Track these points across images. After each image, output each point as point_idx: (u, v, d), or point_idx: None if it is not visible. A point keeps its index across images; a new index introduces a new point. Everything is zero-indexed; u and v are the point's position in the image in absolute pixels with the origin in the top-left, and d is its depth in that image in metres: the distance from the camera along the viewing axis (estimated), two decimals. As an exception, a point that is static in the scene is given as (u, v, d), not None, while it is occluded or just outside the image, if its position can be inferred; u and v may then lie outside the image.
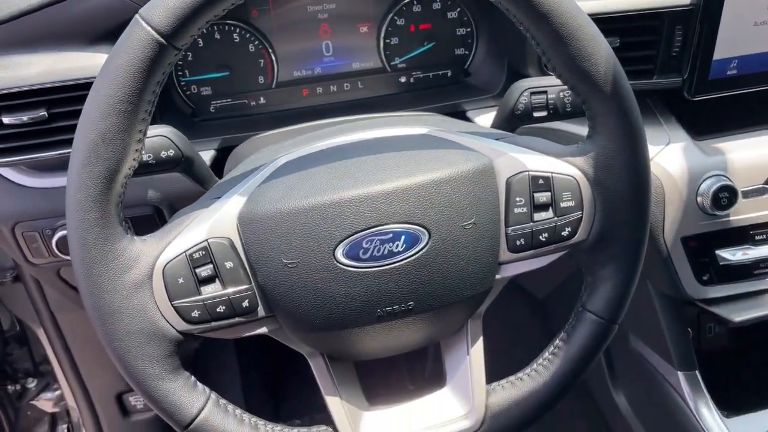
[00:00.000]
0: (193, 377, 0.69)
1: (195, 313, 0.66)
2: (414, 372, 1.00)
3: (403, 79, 1.10)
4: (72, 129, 0.91)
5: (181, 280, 0.66)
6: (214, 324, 0.67)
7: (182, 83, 1.04)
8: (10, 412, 1.66)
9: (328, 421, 0.74)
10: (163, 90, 1.02)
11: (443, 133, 0.74)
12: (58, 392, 1.66)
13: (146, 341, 0.65)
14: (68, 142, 0.91)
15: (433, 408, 0.75)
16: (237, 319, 0.68)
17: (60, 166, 0.95)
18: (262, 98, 1.07)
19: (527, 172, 0.69)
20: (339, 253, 0.66)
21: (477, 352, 0.75)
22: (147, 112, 0.62)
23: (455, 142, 0.72)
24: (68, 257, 0.96)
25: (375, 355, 0.74)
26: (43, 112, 0.87)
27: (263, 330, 0.71)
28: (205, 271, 0.66)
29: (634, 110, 0.67)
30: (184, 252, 0.66)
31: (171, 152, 0.77)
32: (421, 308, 0.69)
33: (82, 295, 0.65)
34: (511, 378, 0.75)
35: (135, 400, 1.56)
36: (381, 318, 0.68)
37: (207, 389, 0.70)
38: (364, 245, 0.66)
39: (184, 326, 0.67)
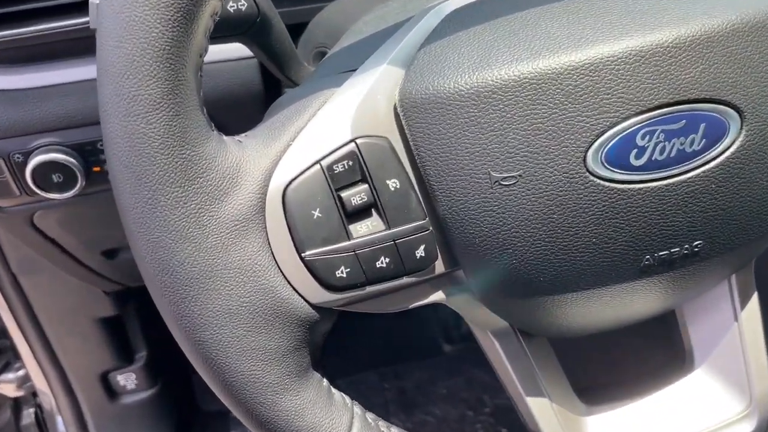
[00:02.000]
0: (325, 381, 0.40)
1: (341, 272, 0.37)
2: (615, 348, 0.72)
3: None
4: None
5: (317, 214, 0.36)
6: (370, 290, 0.38)
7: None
8: (-38, 400, 1.35)
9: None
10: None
11: None
12: (21, 372, 1.35)
13: (258, 326, 0.36)
14: (55, 11, 0.59)
15: (688, 405, 0.47)
16: (406, 280, 0.39)
17: (36, 55, 0.62)
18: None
19: None
20: (593, 157, 0.37)
21: (751, 315, 0.48)
22: None
23: None
24: (49, 195, 0.64)
25: (594, 329, 0.46)
26: None
27: (438, 297, 0.42)
28: (357, 196, 0.37)
29: None
30: (318, 162, 0.36)
31: (242, 4, 0.46)
32: (710, 251, 0.41)
33: (134, 245, 0.35)
34: None
35: (125, 380, 1.28)
36: (646, 270, 0.40)
37: (347, 399, 0.41)
38: (639, 141, 0.37)
39: (322, 296, 0.37)
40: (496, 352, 0.46)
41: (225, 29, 0.46)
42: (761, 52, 0.38)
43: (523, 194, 0.37)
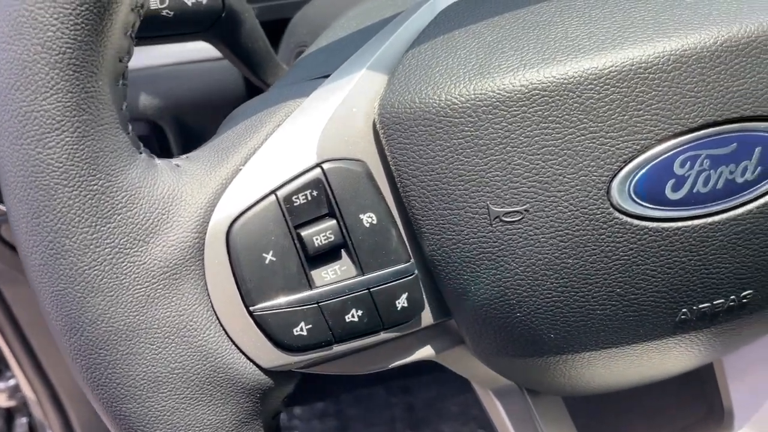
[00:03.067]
0: None
1: (301, 329, 0.30)
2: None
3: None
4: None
5: (269, 258, 0.29)
6: (338, 349, 0.31)
7: None
8: (-49, 410, 1.31)
9: None
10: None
11: None
12: (12, 381, 1.31)
13: (194, 397, 0.29)
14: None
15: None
16: (384, 335, 0.32)
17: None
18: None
19: None
20: (620, 189, 0.30)
21: None
22: None
23: None
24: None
25: (617, 388, 0.38)
26: None
27: (425, 353, 0.35)
28: (322, 234, 0.29)
29: None
30: (273, 192, 0.29)
31: None
32: (762, 302, 0.33)
33: (38, 297, 0.28)
34: None
35: (116, 393, 1.22)
36: (682, 325, 0.33)
37: None
38: (678, 170, 0.30)
39: (277, 358, 0.30)
40: (497, 413, 0.38)
41: (184, 26, 0.39)
42: None
43: (530, 234, 0.30)
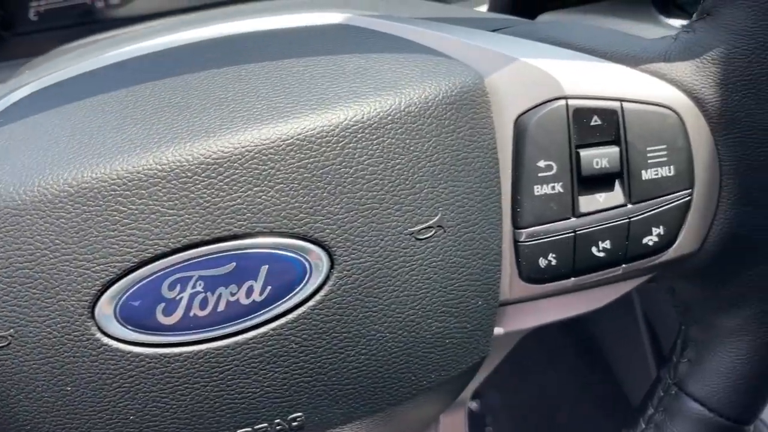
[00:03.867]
0: None
1: None
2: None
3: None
4: None
5: None
6: None
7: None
8: None
9: None
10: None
11: (378, 20, 0.34)
12: None
13: None
14: None
15: None
16: None
17: None
18: (112, -5, 0.66)
19: (564, 101, 0.30)
20: (105, 314, 0.27)
21: None
22: None
23: (400, 39, 0.32)
24: None
25: None
26: None
27: None
28: None
29: None
30: None
31: None
32: (322, 423, 0.30)
33: None
34: None
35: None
36: None
37: None
38: (167, 293, 0.27)
39: None
40: None
41: None
42: (360, 164, 0.27)
43: (20, 360, 0.27)
